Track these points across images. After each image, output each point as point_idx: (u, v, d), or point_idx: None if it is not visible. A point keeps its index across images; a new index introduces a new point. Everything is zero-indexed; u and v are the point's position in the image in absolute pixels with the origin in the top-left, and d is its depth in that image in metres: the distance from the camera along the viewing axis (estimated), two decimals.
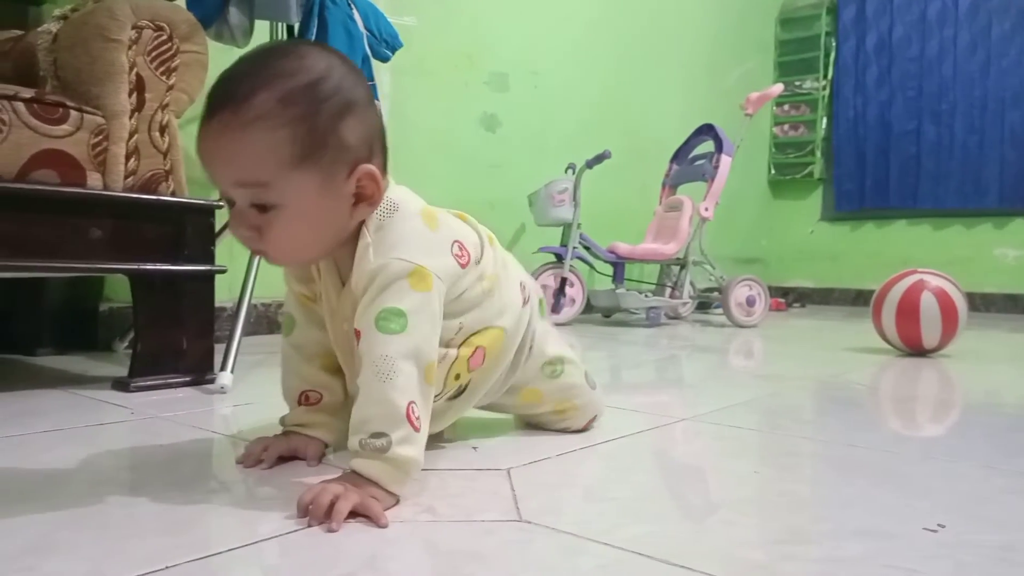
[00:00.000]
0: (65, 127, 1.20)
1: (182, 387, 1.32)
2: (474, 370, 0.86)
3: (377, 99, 1.88)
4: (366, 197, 0.75)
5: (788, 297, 4.24)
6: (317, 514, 0.65)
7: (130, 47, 1.28)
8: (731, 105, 3.33)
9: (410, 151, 2.56)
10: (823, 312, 3.90)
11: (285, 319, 0.90)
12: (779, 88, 3.27)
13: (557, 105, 3.20)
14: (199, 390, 1.30)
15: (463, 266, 0.81)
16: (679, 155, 3.17)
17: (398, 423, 0.70)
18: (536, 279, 2.75)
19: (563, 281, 2.78)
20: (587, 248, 2.89)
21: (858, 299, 4.28)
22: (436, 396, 0.83)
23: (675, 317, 3.16)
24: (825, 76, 4.51)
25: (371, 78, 1.84)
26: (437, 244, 0.79)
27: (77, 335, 1.79)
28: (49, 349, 1.74)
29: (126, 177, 1.29)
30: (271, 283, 2.01)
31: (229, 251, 1.72)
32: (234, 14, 1.73)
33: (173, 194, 1.35)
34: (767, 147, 4.67)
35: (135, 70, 1.29)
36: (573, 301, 2.82)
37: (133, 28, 1.28)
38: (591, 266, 2.99)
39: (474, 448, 0.93)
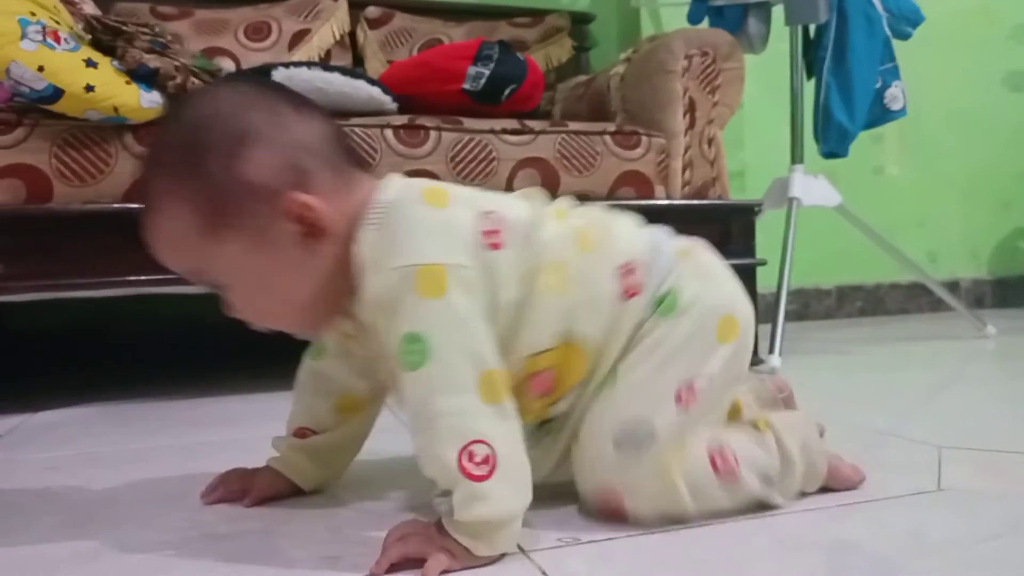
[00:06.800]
0: (639, 151, 1.46)
1: None
2: (543, 395, 0.65)
3: (899, 79, 1.83)
4: (313, 228, 0.60)
5: None
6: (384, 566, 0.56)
7: (683, 74, 1.49)
8: None
9: (921, 125, 2.40)
10: None
11: (315, 344, 0.75)
12: None
13: None
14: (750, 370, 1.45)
15: (494, 247, 0.61)
16: None
17: (454, 482, 0.57)
18: None
19: None
20: None
21: None
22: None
23: None
24: None
25: (892, 59, 1.81)
26: (446, 225, 0.60)
27: None
28: None
29: (683, 187, 1.51)
30: (805, 271, 2.09)
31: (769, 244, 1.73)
32: (752, 24, 1.86)
33: (719, 198, 1.54)
34: None
35: (688, 94, 1.50)
36: None
37: (685, 58, 1.49)
38: None
39: None
